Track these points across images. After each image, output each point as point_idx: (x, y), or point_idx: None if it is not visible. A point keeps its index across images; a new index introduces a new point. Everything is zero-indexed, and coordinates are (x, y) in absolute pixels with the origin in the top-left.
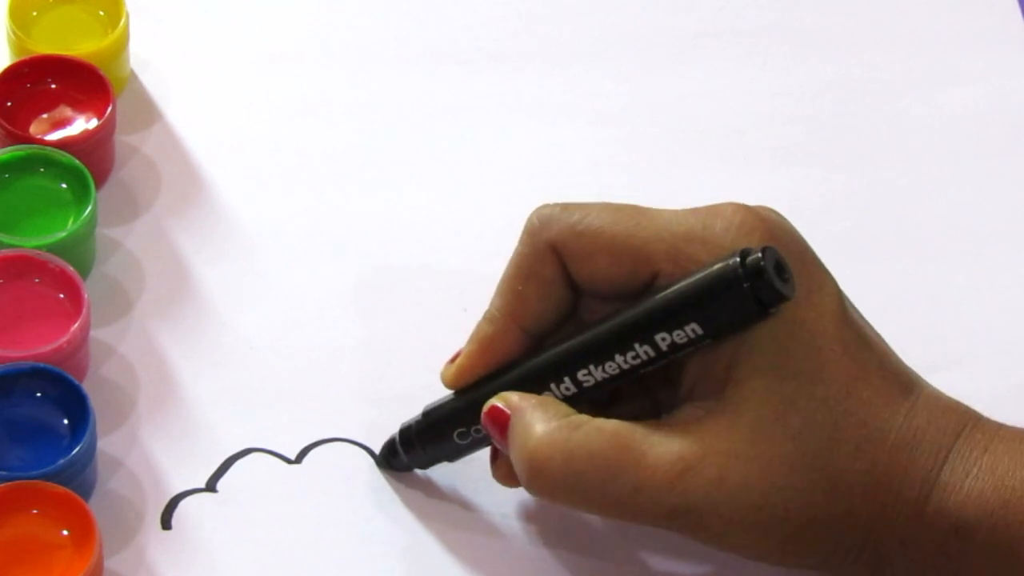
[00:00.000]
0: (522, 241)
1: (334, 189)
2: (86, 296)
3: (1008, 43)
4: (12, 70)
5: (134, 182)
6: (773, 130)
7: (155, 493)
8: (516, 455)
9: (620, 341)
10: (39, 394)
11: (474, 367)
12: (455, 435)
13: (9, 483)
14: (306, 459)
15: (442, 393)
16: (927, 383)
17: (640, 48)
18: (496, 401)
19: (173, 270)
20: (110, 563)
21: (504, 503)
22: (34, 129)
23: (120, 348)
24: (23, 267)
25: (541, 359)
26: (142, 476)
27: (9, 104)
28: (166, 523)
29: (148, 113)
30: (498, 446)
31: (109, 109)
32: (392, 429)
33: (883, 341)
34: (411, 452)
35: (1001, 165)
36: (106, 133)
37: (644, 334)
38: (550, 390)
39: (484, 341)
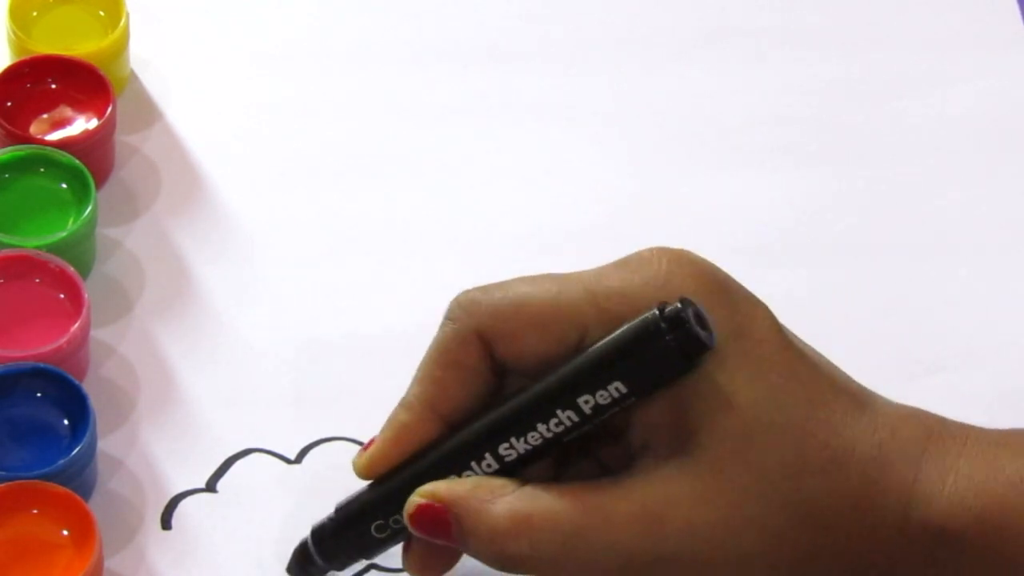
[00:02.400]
0: (444, 328)
1: (334, 189)
2: (86, 296)
3: (1008, 43)
4: (12, 70)
5: (134, 182)
6: (773, 130)
7: (155, 493)
8: (478, 543)
9: (541, 409)
10: (39, 394)
11: (389, 456)
12: (373, 529)
13: (9, 483)
14: (306, 459)
15: None
16: (880, 395)
17: (640, 48)
18: (421, 499)
19: (173, 270)
20: (110, 563)
21: None
22: (34, 129)
23: (120, 348)
24: (23, 267)
25: (459, 438)
26: (142, 476)
27: (9, 104)
28: (166, 523)
29: (148, 113)
30: (441, 543)
31: (109, 109)
32: None
33: (827, 360)
34: (327, 554)
35: (1001, 165)
36: (106, 133)
37: (566, 399)
38: (471, 469)
39: (400, 429)
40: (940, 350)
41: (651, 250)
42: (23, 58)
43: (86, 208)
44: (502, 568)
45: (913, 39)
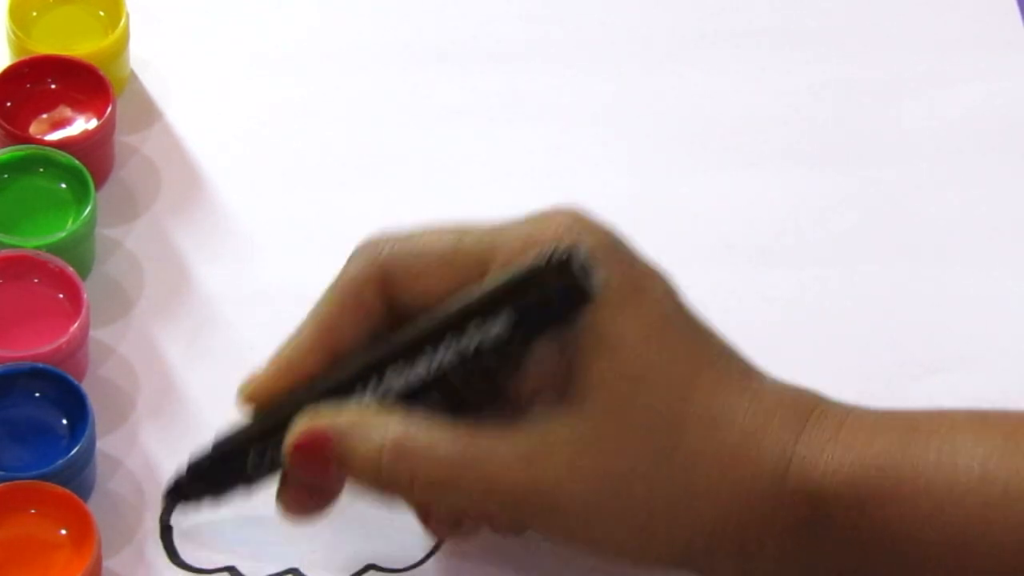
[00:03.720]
0: (346, 266)
1: (334, 189)
2: (86, 296)
3: (1007, 43)
4: (12, 70)
5: (134, 182)
6: (773, 130)
7: (155, 493)
8: (356, 467)
9: (429, 337)
10: (38, 394)
11: (273, 386)
12: (251, 456)
13: (8, 483)
14: None
15: None
16: (767, 373)
17: (640, 48)
18: (305, 425)
19: (173, 270)
20: (109, 563)
21: None
22: (34, 129)
23: (120, 348)
24: (23, 267)
25: (346, 367)
26: (142, 476)
27: (9, 104)
28: (166, 523)
29: (148, 113)
30: (317, 478)
31: (109, 109)
32: None
33: (721, 334)
34: (202, 486)
35: (1001, 165)
36: (106, 133)
37: (452, 329)
38: (358, 395)
39: (287, 359)
40: (940, 350)
41: (554, 207)
42: (23, 58)
43: (86, 208)
44: (382, 496)
45: (913, 39)
